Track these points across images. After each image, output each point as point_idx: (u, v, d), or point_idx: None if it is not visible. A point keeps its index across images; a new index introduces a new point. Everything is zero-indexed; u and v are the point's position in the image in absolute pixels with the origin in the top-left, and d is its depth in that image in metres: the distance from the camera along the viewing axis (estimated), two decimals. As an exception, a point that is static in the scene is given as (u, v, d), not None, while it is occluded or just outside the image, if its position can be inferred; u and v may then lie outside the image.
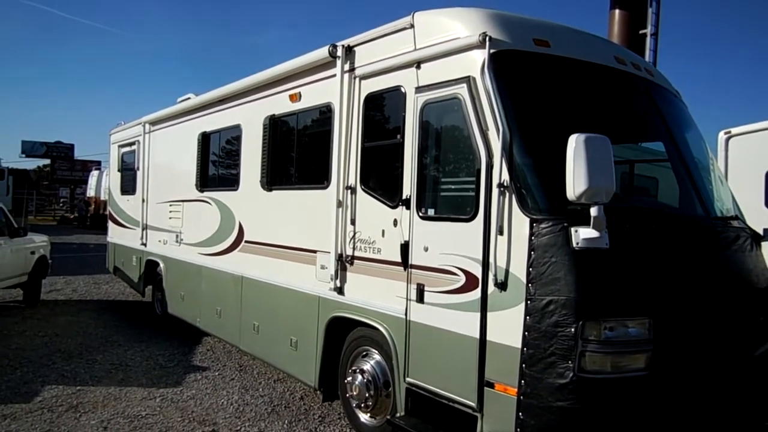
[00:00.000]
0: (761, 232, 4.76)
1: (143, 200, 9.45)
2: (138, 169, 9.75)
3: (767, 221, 5.59)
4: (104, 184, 24.47)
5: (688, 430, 3.68)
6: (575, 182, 3.18)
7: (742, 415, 4.22)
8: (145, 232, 9.42)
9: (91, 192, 32.99)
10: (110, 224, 11.56)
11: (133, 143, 10.11)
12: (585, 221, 3.26)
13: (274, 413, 5.46)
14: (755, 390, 4.33)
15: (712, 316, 3.89)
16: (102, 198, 27.31)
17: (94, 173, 33.62)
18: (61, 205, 47.40)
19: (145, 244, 9.41)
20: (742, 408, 4.22)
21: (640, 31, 12.04)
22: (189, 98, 8.34)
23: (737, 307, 4.15)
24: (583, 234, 3.28)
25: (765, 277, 4.55)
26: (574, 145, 3.18)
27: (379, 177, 4.74)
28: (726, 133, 8.73)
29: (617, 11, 12.23)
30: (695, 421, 3.74)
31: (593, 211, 3.21)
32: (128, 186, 10.35)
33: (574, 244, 3.31)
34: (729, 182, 5.81)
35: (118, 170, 11.06)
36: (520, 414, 3.42)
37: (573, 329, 3.26)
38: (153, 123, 9.33)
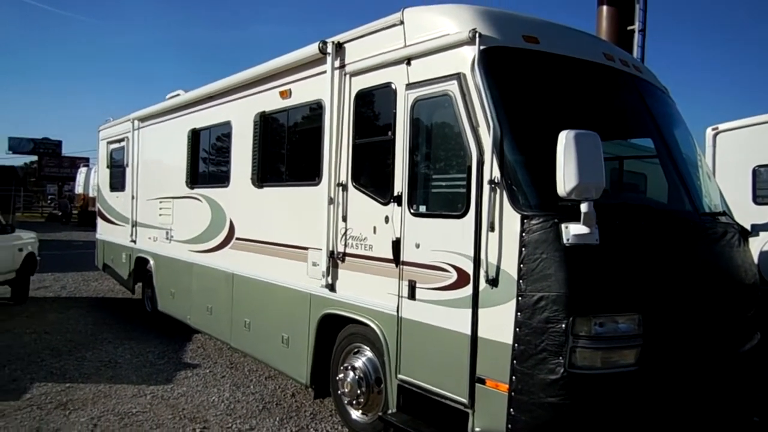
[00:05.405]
0: (749, 228, 4.81)
1: (133, 197, 9.40)
2: (127, 165, 9.69)
3: (755, 217, 5.64)
4: (93, 180, 24.27)
5: (677, 426, 3.72)
6: (566, 178, 3.19)
7: (731, 409, 4.26)
8: (134, 229, 9.36)
9: (79, 189, 32.70)
10: (99, 221, 11.48)
11: (122, 140, 10.04)
12: (575, 217, 3.28)
13: (265, 410, 5.45)
14: (743, 385, 4.38)
15: (701, 311, 3.92)
16: (91, 195, 27.08)
17: (83, 170, 33.32)
18: (48, 202, 46.95)
19: (134, 241, 9.35)
20: (731, 403, 4.27)
21: (628, 27, 12.09)
22: (178, 95, 8.28)
23: (725, 302, 4.19)
24: (573, 230, 3.30)
25: (752, 273, 4.60)
26: (564, 141, 3.19)
27: (371, 174, 4.73)
28: (713, 130, 8.80)
29: (605, 7, 12.26)
30: (685, 416, 3.78)
31: (583, 207, 3.22)
32: (117, 183, 10.28)
33: (565, 241, 3.33)
34: (717, 178, 5.86)
35: (107, 167, 10.99)
36: (511, 410, 3.44)
37: (564, 325, 3.28)
38: (142, 119, 9.26)
